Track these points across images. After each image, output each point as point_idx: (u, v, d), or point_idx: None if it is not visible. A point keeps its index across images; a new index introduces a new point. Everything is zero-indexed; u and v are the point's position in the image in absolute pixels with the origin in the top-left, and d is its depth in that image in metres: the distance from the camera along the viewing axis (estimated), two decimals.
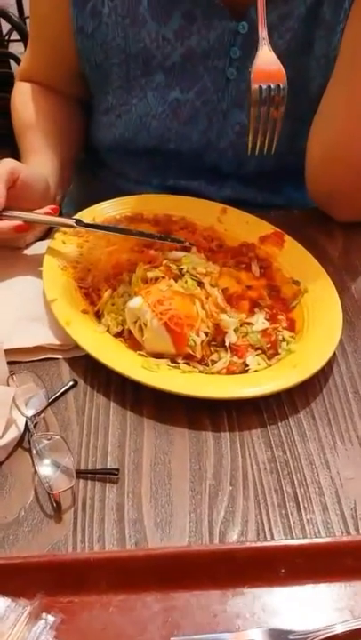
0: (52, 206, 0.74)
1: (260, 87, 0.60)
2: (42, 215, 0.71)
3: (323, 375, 0.64)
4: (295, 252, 0.74)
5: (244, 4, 0.73)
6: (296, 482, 0.55)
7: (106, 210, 0.79)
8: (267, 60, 0.60)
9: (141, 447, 0.57)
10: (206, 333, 0.63)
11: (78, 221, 0.72)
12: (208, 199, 0.83)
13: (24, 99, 0.88)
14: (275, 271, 0.73)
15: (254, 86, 0.60)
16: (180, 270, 0.65)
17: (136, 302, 0.62)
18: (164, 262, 0.66)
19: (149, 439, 0.58)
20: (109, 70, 0.80)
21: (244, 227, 0.78)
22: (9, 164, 0.69)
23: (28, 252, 0.75)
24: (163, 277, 0.65)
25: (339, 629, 0.43)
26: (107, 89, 0.82)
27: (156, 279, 0.65)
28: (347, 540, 0.48)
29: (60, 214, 0.93)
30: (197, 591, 0.46)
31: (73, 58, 0.82)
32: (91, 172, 0.96)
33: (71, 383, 0.62)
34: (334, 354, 0.65)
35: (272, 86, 0.60)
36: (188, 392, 0.58)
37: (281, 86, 0.60)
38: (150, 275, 0.65)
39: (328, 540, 0.48)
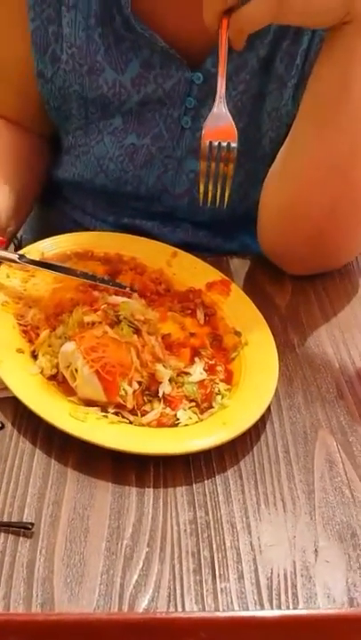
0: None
1: (211, 143, 0.61)
2: None
3: (255, 431, 0.63)
4: (240, 301, 0.74)
5: (201, 55, 0.74)
6: (215, 546, 0.54)
7: (57, 244, 0.78)
8: (220, 118, 0.62)
9: (61, 500, 0.56)
10: (140, 383, 0.62)
11: (21, 257, 0.71)
12: (162, 240, 0.83)
13: None
14: (219, 319, 0.73)
15: (205, 142, 0.61)
16: (118, 317, 0.64)
17: (69, 347, 0.61)
18: (103, 307, 0.65)
19: (70, 492, 0.56)
20: (68, 113, 0.81)
21: (192, 272, 0.78)
22: None
23: None
24: (99, 322, 0.63)
25: None
26: (67, 129, 0.83)
27: (93, 324, 0.63)
28: (257, 617, 0.47)
29: (19, 244, 0.92)
30: None
31: (37, 98, 0.83)
32: (50, 202, 0.95)
33: None
34: (269, 409, 0.64)
35: (222, 144, 0.62)
36: (114, 446, 0.57)
37: (231, 145, 0.61)
38: (87, 319, 0.64)
39: (235, 614, 0.47)
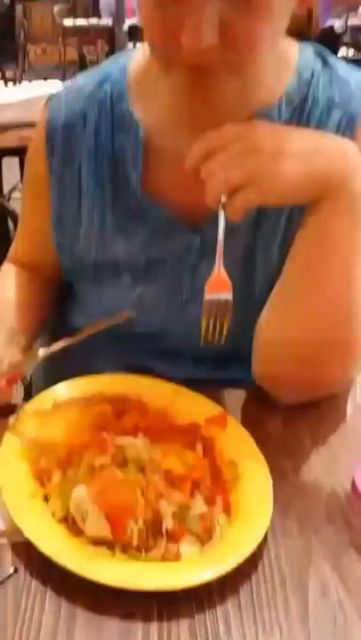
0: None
1: (210, 300, 0.75)
2: None
3: (253, 559, 0.67)
4: (236, 433, 0.81)
5: (199, 221, 0.84)
6: None
7: (68, 389, 0.87)
8: (219, 278, 0.74)
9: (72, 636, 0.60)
10: (145, 520, 0.67)
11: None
12: (165, 376, 0.91)
13: (6, 279, 1.01)
14: (217, 452, 0.79)
15: (206, 298, 0.74)
16: (125, 458, 0.71)
17: (79, 492, 0.67)
18: (112, 450, 0.72)
19: (80, 633, 0.61)
20: (81, 274, 0.94)
21: (192, 407, 0.85)
22: None
23: None
24: (108, 465, 0.70)
25: None
26: (79, 284, 0.96)
27: (102, 467, 0.70)
28: None
29: (30, 384, 1.02)
30: None
31: (52, 257, 0.95)
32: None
33: (11, 571, 0.66)
34: (266, 539, 0.69)
35: (220, 298, 0.74)
36: (120, 584, 0.61)
37: (228, 299, 0.74)
38: (97, 462, 0.71)
39: None
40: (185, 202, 0.84)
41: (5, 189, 3.29)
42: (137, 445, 0.74)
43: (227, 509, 0.72)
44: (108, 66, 0.88)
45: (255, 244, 0.87)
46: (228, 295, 0.73)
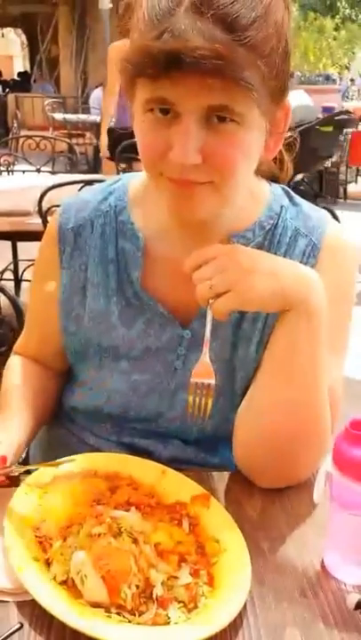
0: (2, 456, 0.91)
1: (196, 382, 0.87)
2: None
3: (234, 625, 0.75)
4: (218, 512, 0.90)
5: (189, 317, 0.98)
6: None
7: (67, 465, 0.95)
8: (204, 366, 0.88)
9: None
10: (137, 586, 0.75)
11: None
12: (155, 455, 1.01)
13: (14, 368, 1.11)
14: (201, 529, 0.88)
15: (192, 381, 0.87)
16: (120, 529, 0.79)
17: (79, 556, 0.75)
18: (107, 521, 0.80)
19: None
20: (85, 357, 1.05)
21: (179, 486, 0.94)
22: None
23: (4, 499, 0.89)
24: (105, 534, 0.78)
25: None
26: (82, 368, 1.07)
27: (99, 535, 0.78)
28: None
29: (27, 456, 1.10)
30: None
31: (58, 344, 1.06)
32: (58, 423, 1.14)
33: (18, 626, 0.72)
34: (245, 606, 0.77)
35: (205, 382, 0.87)
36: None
37: (211, 383, 0.87)
38: (94, 531, 0.79)
39: None
40: (178, 301, 0.97)
41: None
42: (130, 519, 0.83)
43: (210, 581, 0.80)
44: (111, 184, 1.03)
45: (237, 342, 1.01)
46: (211, 381, 0.86)
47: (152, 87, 0.74)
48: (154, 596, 0.76)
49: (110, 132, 4.53)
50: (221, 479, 1.01)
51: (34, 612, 0.74)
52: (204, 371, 0.87)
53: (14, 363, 1.11)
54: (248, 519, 0.92)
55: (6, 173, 4.05)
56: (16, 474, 0.91)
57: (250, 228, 0.96)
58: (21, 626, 0.72)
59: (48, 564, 0.79)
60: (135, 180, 1.01)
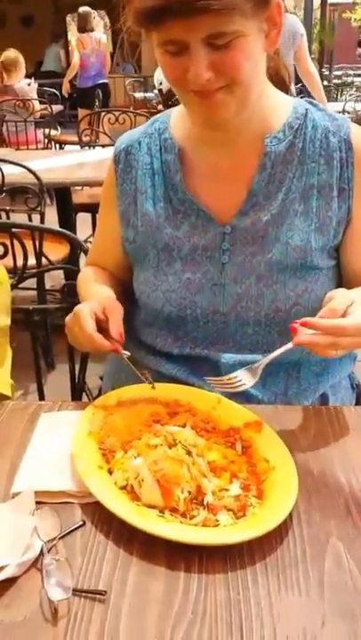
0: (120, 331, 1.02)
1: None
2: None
3: (279, 535, 0.79)
4: (270, 437, 0.94)
5: (228, 214, 1.08)
6: (243, 616, 0.69)
7: (131, 391, 1.02)
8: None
9: (126, 579, 0.73)
10: (189, 492, 0.81)
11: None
12: (215, 366, 1.11)
13: (85, 272, 1.26)
14: (253, 451, 0.92)
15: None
16: (175, 441, 0.85)
17: (138, 461, 0.82)
18: (164, 433, 0.87)
19: (134, 574, 0.74)
20: (146, 261, 1.14)
21: (233, 414, 0.99)
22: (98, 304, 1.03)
23: (71, 417, 0.97)
24: (161, 445, 0.85)
25: None
26: (142, 276, 1.16)
27: (156, 446, 0.85)
28: None
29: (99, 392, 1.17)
30: None
31: (118, 254, 1.21)
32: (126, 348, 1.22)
33: (80, 523, 0.80)
34: (291, 519, 0.81)
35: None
36: (168, 536, 0.75)
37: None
38: (152, 442, 0.85)
39: None
40: (216, 201, 1.09)
41: None
42: (185, 433, 0.89)
43: (259, 495, 0.85)
44: (158, 115, 1.20)
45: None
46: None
47: (160, 33, 0.93)
48: (204, 503, 0.81)
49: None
50: (277, 412, 1.05)
51: (95, 512, 0.82)
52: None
53: (85, 270, 1.27)
54: (299, 445, 0.96)
55: (87, 147, 4.18)
56: (124, 356, 1.02)
57: (280, 129, 1.06)
58: (84, 523, 0.80)
59: (110, 472, 0.86)
60: (175, 109, 1.16)
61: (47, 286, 2.46)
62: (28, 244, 1.95)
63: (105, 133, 4.14)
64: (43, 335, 1.62)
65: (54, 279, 3.07)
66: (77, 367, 1.51)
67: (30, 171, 2.48)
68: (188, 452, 0.85)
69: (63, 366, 1.68)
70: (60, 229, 1.58)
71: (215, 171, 1.08)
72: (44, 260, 2.22)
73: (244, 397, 1.05)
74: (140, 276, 1.18)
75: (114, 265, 1.23)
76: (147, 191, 1.12)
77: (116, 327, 1.01)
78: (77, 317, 1.01)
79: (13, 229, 1.75)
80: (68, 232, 1.48)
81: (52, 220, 3.11)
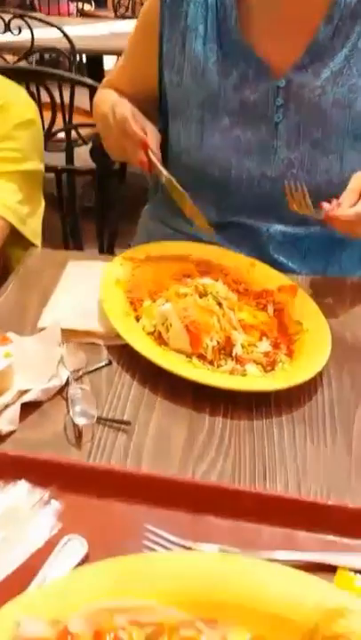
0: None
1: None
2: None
3: (308, 395, 0.78)
4: (305, 301, 0.90)
5: (284, 66, 0.98)
6: (267, 463, 0.68)
7: (160, 247, 0.98)
8: None
9: (150, 417, 0.72)
10: (218, 342, 0.78)
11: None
12: (258, 233, 1.05)
13: (109, 93, 1.12)
14: (286, 314, 0.89)
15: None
16: (206, 291, 0.82)
17: (166, 306, 0.79)
18: (195, 284, 0.83)
19: (158, 411, 0.73)
20: (188, 116, 1.03)
21: (267, 277, 0.95)
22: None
23: (99, 266, 0.93)
24: (191, 294, 0.81)
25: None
26: (184, 131, 1.05)
27: (186, 295, 0.81)
28: (300, 500, 0.61)
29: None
30: (172, 510, 0.59)
31: (150, 91, 1.07)
32: (158, 219, 1.17)
33: (107, 362, 0.78)
34: (321, 382, 0.79)
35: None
36: (195, 378, 0.73)
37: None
38: (182, 291, 0.82)
39: (282, 495, 0.61)
40: (272, 50, 0.98)
41: None
42: (216, 286, 0.85)
43: (290, 354, 0.83)
44: None
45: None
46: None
47: None
48: (233, 354, 0.79)
49: None
50: (315, 282, 1.01)
51: (122, 354, 0.80)
52: None
53: (106, 91, 1.13)
54: (334, 313, 0.92)
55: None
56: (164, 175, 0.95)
57: None
58: (110, 362, 0.79)
59: (137, 319, 0.84)
60: None
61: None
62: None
63: (142, 3, 3.86)
64: (72, 219, 1.56)
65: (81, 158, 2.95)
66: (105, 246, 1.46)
67: (62, 32, 2.32)
68: (219, 304, 0.82)
69: (92, 251, 1.63)
70: (93, 82, 1.47)
71: (275, 16, 0.97)
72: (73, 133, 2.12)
73: (280, 269, 1.01)
74: (179, 132, 1.07)
75: (142, 102, 1.05)
76: (197, 29, 1.00)
77: (156, 141, 0.93)
78: (116, 113, 0.95)
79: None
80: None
81: (81, 96, 2.95)
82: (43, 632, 0.45)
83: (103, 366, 0.78)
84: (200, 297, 0.81)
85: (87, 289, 0.89)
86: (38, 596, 0.49)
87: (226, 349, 0.80)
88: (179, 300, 0.81)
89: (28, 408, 0.70)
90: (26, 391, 0.69)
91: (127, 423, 0.69)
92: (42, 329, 0.80)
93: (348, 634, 0.45)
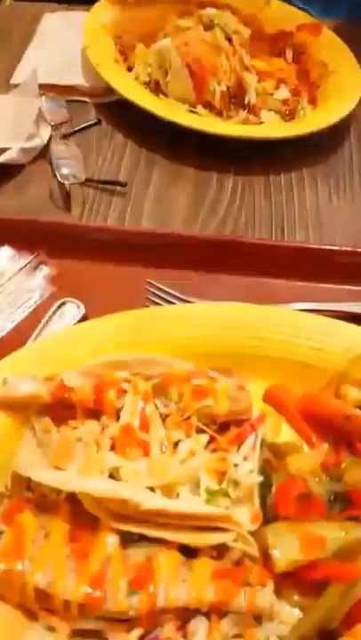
0: None
1: None
2: None
3: (333, 145, 0.66)
4: (331, 41, 0.75)
5: None
6: (285, 219, 0.59)
7: None
8: None
9: (150, 174, 0.62)
10: (228, 87, 0.66)
11: None
12: None
13: None
14: (307, 57, 0.74)
15: None
16: (212, 22, 0.67)
17: (164, 42, 0.65)
18: (199, 14, 0.68)
19: (159, 170, 0.63)
20: None
21: (284, 16, 0.78)
22: None
23: (80, 16, 0.77)
24: (194, 27, 0.67)
25: None
26: None
27: (188, 28, 0.67)
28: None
29: None
30: (178, 270, 0.52)
31: None
32: None
33: (95, 121, 0.67)
34: (349, 131, 0.67)
35: None
36: (202, 127, 0.61)
37: None
38: (182, 24, 0.67)
39: (301, 245, 0.53)
40: None
41: None
42: (225, 16, 0.70)
43: (313, 100, 0.70)
44: None
45: None
46: None
47: None
48: (246, 102, 0.66)
49: None
50: (338, 27, 0.84)
51: (113, 112, 0.68)
52: None
53: None
54: None
55: None
56: None
57: None
58: (99, 121, 0.67)
59: (129, 70, 0.70)
60: None
61: None
62: None
63: None
64: None
65: None
66: None
67: None
68: (229, 40, 0.67)
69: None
70: None
71: None
72: None
73: None
74: None
75: None
76: None
77: None
78: None
79: None
80: None
81: None
82: (33, 388, 0.39)
83: (91, 125, 0.66)
84: (205, 30, 0.66)
85: (68, 41, 0.74)
86: (32, 351, 0.43)
87: (237, 97, 0.67)
88: (179, 33, 0.66)
89: (8, 175, 0.60)
90: (3, 150, 0.59)
91: (123, 184, 0.60)
92: (16, 86, 0.67)
93: None
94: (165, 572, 0.33)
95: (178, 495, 0.37)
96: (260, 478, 0.38)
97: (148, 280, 0.49)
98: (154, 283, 0.49)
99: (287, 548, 0.35)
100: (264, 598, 0.34)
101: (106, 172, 0.62)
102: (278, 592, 0.35)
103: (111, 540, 0.34)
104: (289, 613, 0.35)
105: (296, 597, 0.36)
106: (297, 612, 0.36)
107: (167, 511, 0.34)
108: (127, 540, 0.34)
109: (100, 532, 0.34)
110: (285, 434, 0.43)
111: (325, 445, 0.41)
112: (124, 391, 0.40)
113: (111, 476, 0.37)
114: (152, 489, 0.36)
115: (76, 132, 0.65)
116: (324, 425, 0.42)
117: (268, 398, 0.43)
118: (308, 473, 0.39)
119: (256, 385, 0.43)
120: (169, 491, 0.37)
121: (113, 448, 0.38)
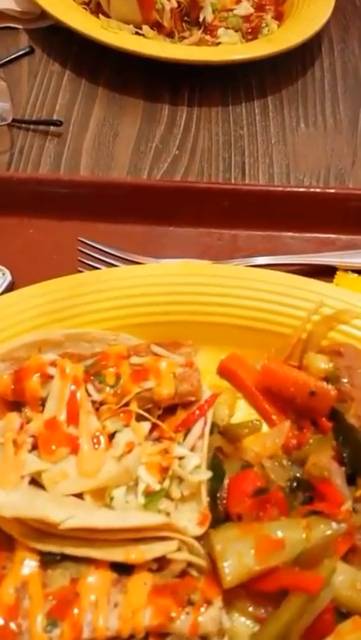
0: None
1: None
2: None
3: (302, 66, 0.59)
4: None
5: None
6: (247, 153, 0.52)
7: None
8: None
9: (91, 110, 0.55)
10: (179, 3, 0.56)
11: None
12: None
13: None
14: None
15: None
16: None
17: None
18: None
19: (101, 104, 0.55)
20: None
21: None
22: None
23: None
24: None
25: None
26: None
27: None
28: (285, 190, 0.45)
29: None
30: (119, 224, 0.45)
31: None
32: None
33: (27, 49, 0.58)
34: (320, 50, 0.59)
35: None
36: (150, 52, 0.53)
37: None
38: None
39: (262, 188, 0.46)
40: None
41: None
42: None
43: (278, 16, 0.61)
44: None
45: None
46: None
47: None
48: (200, 19, 0.58)
49: None
50: None
51: (47, 39, 0.59)
52: None
53: None
54: None
55: None
56: None
57: None
58: (32, 50, 0.58)
59: None
60: None
61: None
62: None
63: None
64: None
65: None
66: None
67: None
68: None
69: None
70: None
71: None
72: None
73: None
74: None
75: None
76: None
77: None
78: None
79: None
80: None
81: None
82: None
83: (22, 55, 0.58)
84: None
85: None
86: None
87: (190, 15, 0.58)
88: None
89: None
90: None
91: (58, 123, 0.52)
92: None
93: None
94: (93, 597, 0.28)
95: (112, 499, 0.31)
96: (209, 474, 0.32)
97: (81, 239, 0.42)
98: (88, 242, 0.42)
99: (239, 559, 0.30)
100: (210, 620, 0.29)
101: (40, 108, 0.54)
102: (229, 602, 0.30)
103: (28, 563, 0.29)
104: (242, 627, 0.30)
105: (250, 608, 0.31)
106: (251, 625, 0.30)
107: (93, 527, 0.28)
108: (48, 560, 0.29)
109: (16, 553, 0.29)
110: (242, 412, 0.37)
111: (287, 423, 0.36)
112: (50, 377, 0.34)
113: (33, 482, 0.31)
114: (80, 495, 0.31)
115: (3, 64, 0.56)
116: (287, 401, 0.36)
117: (223, 372, 0.37)
118: (268, 458, 0.34)
119: (208, 357, 0.37)
120: (101, 495, 0.31)
121: (35, 447, 0.32)
